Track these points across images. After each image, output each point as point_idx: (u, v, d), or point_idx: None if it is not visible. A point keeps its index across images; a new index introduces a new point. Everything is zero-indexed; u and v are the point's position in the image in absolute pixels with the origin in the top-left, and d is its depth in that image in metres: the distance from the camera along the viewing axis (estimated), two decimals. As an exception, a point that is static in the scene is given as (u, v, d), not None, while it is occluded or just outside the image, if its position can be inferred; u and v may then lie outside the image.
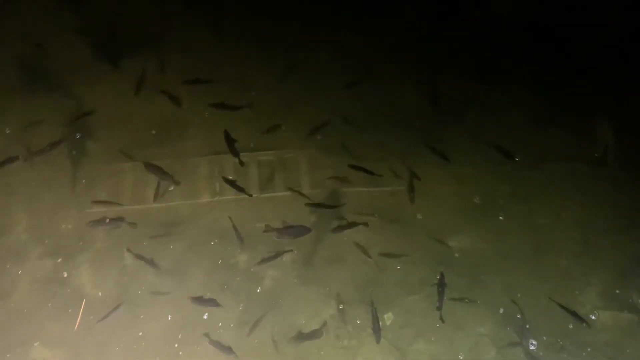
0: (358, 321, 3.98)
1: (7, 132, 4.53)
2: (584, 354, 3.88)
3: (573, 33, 5.17)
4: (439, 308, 3.93)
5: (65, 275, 4.01)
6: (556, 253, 4.30)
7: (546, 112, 4.85)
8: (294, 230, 4.12)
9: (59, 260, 4.05)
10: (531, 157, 4.63)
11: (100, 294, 3.96)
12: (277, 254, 4.07)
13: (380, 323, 3.94)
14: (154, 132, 4.65)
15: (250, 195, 4.28)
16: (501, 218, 4.41)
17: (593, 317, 4.02)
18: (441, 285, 3.98)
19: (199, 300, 3.88)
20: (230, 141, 4.31)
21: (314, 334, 3.89)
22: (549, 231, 4.38)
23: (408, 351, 3.91)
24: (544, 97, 4.90)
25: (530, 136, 4.71)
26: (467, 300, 4.05)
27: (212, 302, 3.87)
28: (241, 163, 4.26)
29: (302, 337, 3.89)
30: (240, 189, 4.26)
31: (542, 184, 4.56)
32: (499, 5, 5.27)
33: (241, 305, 3.99)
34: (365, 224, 4.24)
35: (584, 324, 3.91)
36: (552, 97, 4.90)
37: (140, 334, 3.84)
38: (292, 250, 4.14)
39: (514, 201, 4.48)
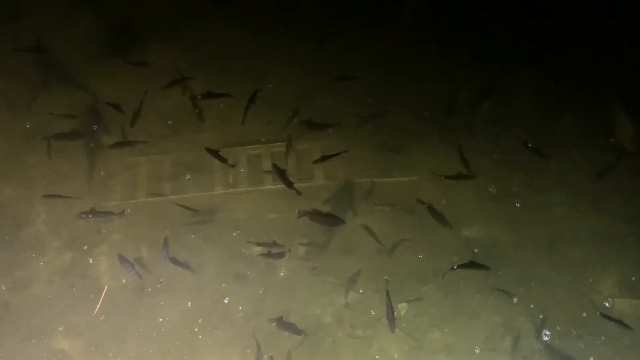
0: (372, 312, 4.00)
1: (27, 126, 4.60)
2: (598, 342, 3.86)
3: (586, 19, 5.11)
4: (389, 319, 3.80)
5: (83, 265, 4.07)
6: (572, 242, 4.27)
7: (560, 100, 4.81)
8: (327, 220, 4.11)
9: (77, 251, 4.12)
10: (545, 145, 4.59)
11: (121, 282, 4.02)
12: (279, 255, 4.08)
13: (395, 313, 3.97)
14: (170, 122, 4.69)
15: (300, 194, 4.26)
16: (516, 207, 4.39)
17: (608, 305, 4.00)
18: (388, 293, 3.89)
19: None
20: (281, 173, 4.31)
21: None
22: (565, 220, 4.36)
23: (423, 340, 3.92)
24: (558, 85, 4.86)
25: (544, 124, 4.67)
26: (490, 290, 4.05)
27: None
28: (299, 193, 4.23)
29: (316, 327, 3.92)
30: (289, 183, 4.27)
31: (557, 172, 4.53)
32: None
33: (259, 292, 4.03)
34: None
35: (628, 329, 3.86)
36: (566, 84, 4.86)
37: (160, 320, 3.92)
38: (289, 251, 4.11)
39: (528, 190, 4.46)
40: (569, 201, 4.41)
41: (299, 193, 4.23)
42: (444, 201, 4.40)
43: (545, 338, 3.90)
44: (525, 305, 4.03)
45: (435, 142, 4.66)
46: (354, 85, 4.87)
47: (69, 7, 5.19)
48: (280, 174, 4.28)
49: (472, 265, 4.06)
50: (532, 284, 4.12)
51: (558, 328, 3.94)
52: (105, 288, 3.99)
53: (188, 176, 4.46)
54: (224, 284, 4.05)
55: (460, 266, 4.05)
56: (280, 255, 4.05)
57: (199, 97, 4.65)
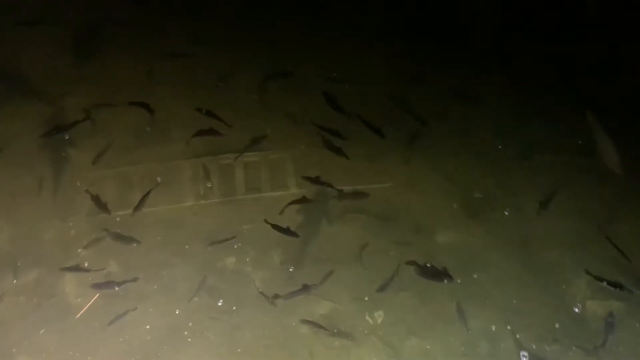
0: (349, 321, 3.94)
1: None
2: (574, 347, 3.87)
3: (554, 23, 5.17)
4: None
5: (50, 285, 3.92)
6: (545, 245, 4.30)
7: (529, 103, 4.85)
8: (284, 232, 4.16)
9: (43, 270, 3.96)
10: (515, 148, 4.63)
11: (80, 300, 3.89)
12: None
13: (371, 321, 3.93)
14: (148, 129, 4.57)
15: (341, 191, 4.32)
16: (487, 211, 4.41)
17: (577, 310, 4.02)
18: None
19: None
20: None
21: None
22: (537, 223, 4.38)
23: (401, 348, 3.88)
24: (527, 89, 4.90)
25: (514, 128, 4.69)
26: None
27: None
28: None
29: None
30: (326, 184, 4.32)
31: (528, 175, 4.56)
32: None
33: (232, 307, 3.94)
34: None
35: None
36: (535, 88, 4.90)
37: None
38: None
39: (499, 193, 4.48)
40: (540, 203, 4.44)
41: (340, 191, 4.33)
42: (417, 206, 4.38)
43: (520, 338, 3.89)
44: (501, 309, 4.02)
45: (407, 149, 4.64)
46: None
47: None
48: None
49: (434, 272, 4.07)
50: (507, 287, 4.12)
51: (536, 330, 3.94)
52: (97, 296, 3.86)
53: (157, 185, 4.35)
54: (195, 299, 3.95)
55: (422, 272, 4.07)
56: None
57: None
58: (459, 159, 4.58)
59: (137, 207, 4.13)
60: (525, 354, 3.84)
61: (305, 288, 3.97)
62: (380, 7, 5.26)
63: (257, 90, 4.73)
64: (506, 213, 4.39)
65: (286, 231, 4.15)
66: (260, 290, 3.94)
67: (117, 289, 3.90)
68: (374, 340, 3.89)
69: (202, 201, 4.34)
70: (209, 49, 4.91)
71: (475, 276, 4.16)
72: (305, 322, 3.90)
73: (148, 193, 4.17)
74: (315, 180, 4.37)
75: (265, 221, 4.17)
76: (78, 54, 4.65)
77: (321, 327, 3.88)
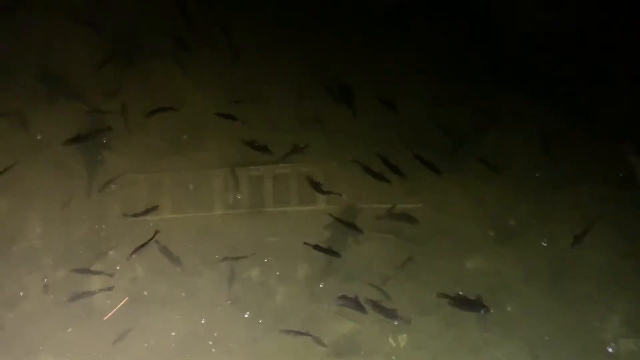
0: (372, 342, 3.88)
1: (39, 137, 4.48)
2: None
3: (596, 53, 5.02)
4: None
5: (78, 285, 3.98)
6: (577, 278, 4.17)
7: (568, 133, 4.72)
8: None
9: (72, 270, 4.01)
10: (552, 177, 4.51)
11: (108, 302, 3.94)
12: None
13: (394, 344, 3.87)
14: (185, 137, 4.58)
15: (340, 195, 4.33)
16: (520, 240, 4.29)
17: (611, 350, 3.89)
18: None
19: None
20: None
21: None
22: (570, 255, 4.24)
23: (423, 374, 3.82)
24: (566, 117, 4.78)
25: (551, 157, 4.55)
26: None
27: None
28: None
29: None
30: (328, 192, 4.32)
31: (564, 205, 4.42)
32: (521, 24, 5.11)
33: (255, 318, 3.94)
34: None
35: None
36: (574, 116, 4.78)
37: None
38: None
39: (533, 223, 4.36)
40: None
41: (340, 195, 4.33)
42: (447, 230, 4.30)
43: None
44: (528, 342, 3.92)
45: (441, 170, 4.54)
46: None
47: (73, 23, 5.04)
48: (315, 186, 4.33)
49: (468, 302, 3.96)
50: (535, 319, 4.01)
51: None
52: (125, 300, 3.91)
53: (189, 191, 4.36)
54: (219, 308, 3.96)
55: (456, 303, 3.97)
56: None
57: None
58: (492, 185, 4.46)
59: (134, 252, 3.94)
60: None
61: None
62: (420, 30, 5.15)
63: (295, 102, 4.69)
64: (544, 244, 4.28)
65: (328, 251, 4.08)
66: (306, 330, 3.88)
67: (145, 293, 3.93)
68: (395, 363, 3.85)
69: (231, 211, 4.34)
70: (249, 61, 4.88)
71: (503, 305, 4.07)
72: (327, 340, 3.87)
73: (146, 243, 4.00)
74: (318, 188, 4.32)
75: (306, 243, 4.10)
76: (118, 58, 4.72)
77: (343, 346, 3.84)
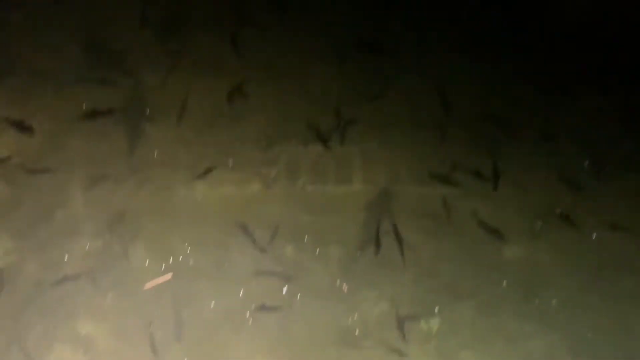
0: (406, 323, 3.87)
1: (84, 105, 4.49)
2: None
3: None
4: None
5: (119, 252, 4.04)
6: (621, 272, 4.04)
7: (620, 122, 4.53)
8: None
9: (113, 237, 4.08)
10: (601, 168, 4.34)
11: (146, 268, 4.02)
12: None
13: (426, 328, 3.85)
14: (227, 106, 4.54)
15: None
16: (562, 229, 4.17)
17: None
18: None
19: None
20: None
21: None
22: (614, 247, 4.11)
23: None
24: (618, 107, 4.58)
25: (603, 146, 4.39)
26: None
27: None
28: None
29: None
30: None
31: (611, 196, 4.27)
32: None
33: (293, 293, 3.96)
34: None
35: None
36: (626, 106, 4.58)
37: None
38: None
39: (579, 212, 4.22)
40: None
41: None
42: (486, 216, 4.20)
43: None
44: (568, 335, 3.84)
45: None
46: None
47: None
48: None
49: None
50: (574, 313, 3.91)
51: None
52: (170, 274, 3.97)
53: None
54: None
55: None
56: None
57: None
58: (537, 172, 4.33)
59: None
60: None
61: None
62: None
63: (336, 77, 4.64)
64: (593, 236, 4.15)
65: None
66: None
67: (191, 262, 4.00)
68: (426, 348, 3.82)
69: (268, 189, 4.32)
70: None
71: (540, 296, 3.97)
72: (360, 321, 3.87)
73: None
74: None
75: None
76: (163, 28, 4.73)
77: (374, 328, 3.83)
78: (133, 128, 4.42)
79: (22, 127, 4.36)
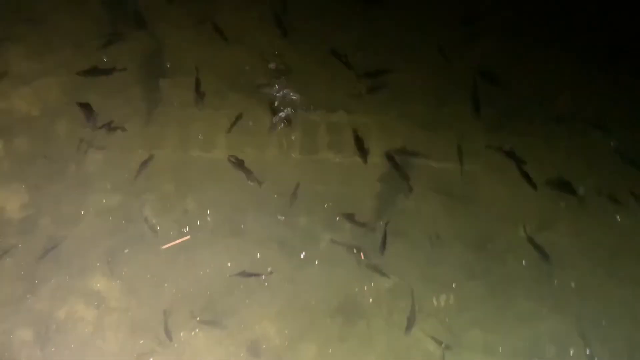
0: (415, 294, 3.87)
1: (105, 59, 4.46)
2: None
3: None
4: None
5: (136, 211, 4.05)
6: (635, 257, 4.00)
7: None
8: None
9: (129, 197, 4.09)
10: (626, 148, 4.26)
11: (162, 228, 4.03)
12: None
13: (437, 303, 3.85)
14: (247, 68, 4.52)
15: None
16: (579, 211, 4.12)
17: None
18: None
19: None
20: None
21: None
22: (631, 233, 4.07)
23: (463, 336, 3.79)
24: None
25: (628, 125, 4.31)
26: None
27: None
28: None
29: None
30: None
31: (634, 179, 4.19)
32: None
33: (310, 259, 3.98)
34: None
35: None
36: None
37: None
38: None
39: (595, 195, 4.16)
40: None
41: None
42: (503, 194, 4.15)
43: (589, 352, 3.73)
44: (578, 317, 3.83)
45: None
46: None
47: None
48: None
49: None
50: (587, 295, 3.89)
51: (611, 345, 3.71)
52: (188, 237, 3.99)
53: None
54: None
55: None
56: None
57: None
58: (560, 151, 4.26)
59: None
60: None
61: None
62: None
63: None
64: (618, 219, 4.11)
65: None
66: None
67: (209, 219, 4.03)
68: (436, 323, 3.83)
69: (284, 155, 4.29)
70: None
71: (554, 277, 3.95)
72: (370, 292, 3.89)
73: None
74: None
75: None
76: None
77: (384, 300, 3.84)
78: (150, 86, 4.39)
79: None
